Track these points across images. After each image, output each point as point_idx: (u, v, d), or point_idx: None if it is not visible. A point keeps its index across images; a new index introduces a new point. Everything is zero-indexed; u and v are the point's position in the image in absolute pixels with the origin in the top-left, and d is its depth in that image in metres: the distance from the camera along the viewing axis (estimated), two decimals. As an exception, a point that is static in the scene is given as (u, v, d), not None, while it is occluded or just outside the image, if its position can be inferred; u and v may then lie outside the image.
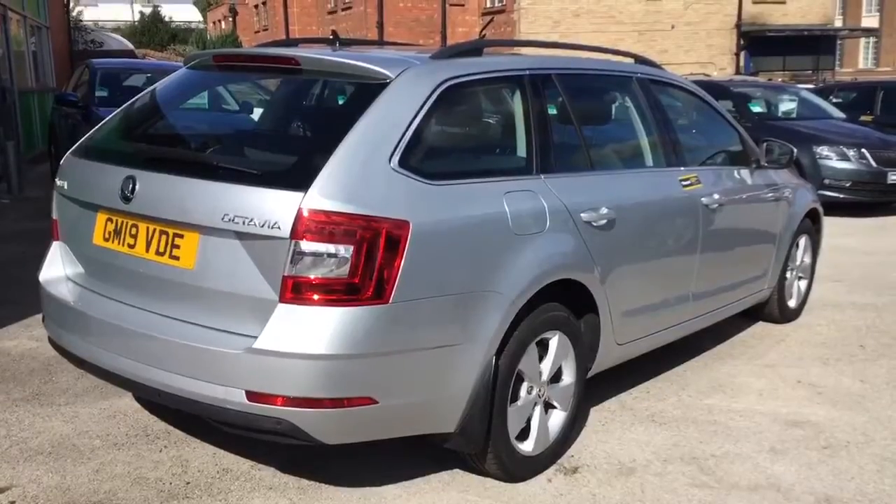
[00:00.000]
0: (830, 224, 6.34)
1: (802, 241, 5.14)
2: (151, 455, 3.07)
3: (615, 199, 3.31)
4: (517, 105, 3.18)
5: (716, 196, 3.98)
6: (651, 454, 3.30)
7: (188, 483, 2.89)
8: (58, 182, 3.05)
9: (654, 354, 4.11)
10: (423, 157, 2.69)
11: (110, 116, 3.25)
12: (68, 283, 2.94)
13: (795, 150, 4.51)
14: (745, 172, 4.41)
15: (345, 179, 2.44)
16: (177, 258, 2.60)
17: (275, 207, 2.39)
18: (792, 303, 5.17)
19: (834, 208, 8.64)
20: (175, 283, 2.61)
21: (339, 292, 2.37)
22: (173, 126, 3.21)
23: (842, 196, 9.48)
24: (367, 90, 2.70)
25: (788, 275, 5.06)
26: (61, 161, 3.13)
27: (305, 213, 2.36)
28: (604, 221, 3.22)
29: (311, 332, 2.36)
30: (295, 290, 2.37)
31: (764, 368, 4.35)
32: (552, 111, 3.31)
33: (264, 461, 3.05)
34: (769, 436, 3.51)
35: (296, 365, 2.35)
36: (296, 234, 2.36)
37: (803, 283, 5.29)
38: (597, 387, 3.84)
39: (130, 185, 2.68)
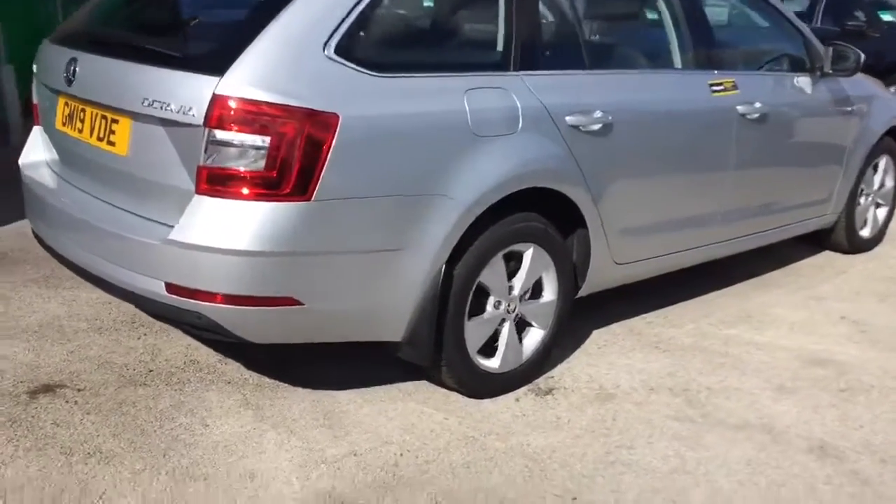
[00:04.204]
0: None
1: (882, 162, 4.55)
2: (128, 342, 3.13)
3: (614, 103, 2.96)
4: None
5: (757, 105, 3.52)
6: (639, 382, 3.07)
7: (151, 371, 2.93)
8: (34, 67, 3.05)
9: (685, 278, 3.82)
10: (367, 45, 2.48)
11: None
12: (44, 168, 2.96)
13: (863, 55, 3.92)
14: (803, 80, 3.87)
15: (268, 65, 2.27)
16: (113, 144, 2.53)
17: (191, 92, 2.27)
18: (865, 232, 4.63)
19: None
20: (112, 170, 2.56)
21: (255, 186, 2.23)
22: (119, 6, 3.11)
23: None
24: None
25: (862, 200, 4.52)
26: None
27: (220, 100, 2.22)
28: (597, 126, 2.91)
29: (225, 225, 2.25)
30: (210, 182, 2.26)
31: (809, 300, 3.94)
32: None
33: (234, 357, 3.06)
34: (782, 373, 3.19)
35: (209, 259, 2.26)
36: (210, 121, 2.23)
37: (882, 211, 4.72)
38: (608, 307, 3.60)
39: (72, 68, 2.62)
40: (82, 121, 2.67)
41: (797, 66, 3.94)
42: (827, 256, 4.59)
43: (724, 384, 3.08)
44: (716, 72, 3.44)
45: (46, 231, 2.85)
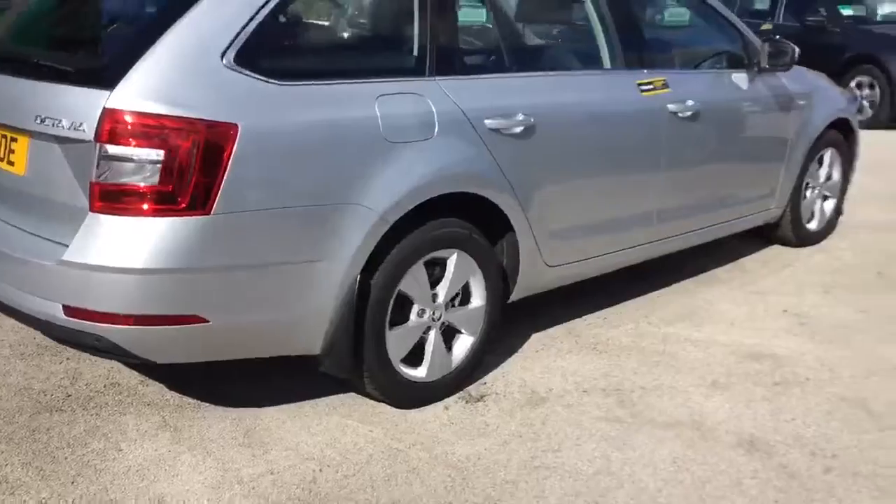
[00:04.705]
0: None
1: (828, 155, 4.54)
2: (50, 367, 3.05)
3: (536, 105, 2.93)
4: None
5: (690, 103, 3.49)
6: (573, 384, 3.02)
7: (69, 396, 2.85)
8: None
9: (628, 277, 3.79)
10: (270, 52, 2.43)
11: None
12: None
13: (797, 49, 3.92)
14: (739, 77, 3.86)
15: (161, 77, 2.22)
16: (12, 164, 2.47)
17: (82, 108, 2.22)
18: (812, 225, 4.62)
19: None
20: (12, 190, 2.50)
21: (151, 201, 2.18)
22: (21, 23, 3.05)
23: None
24: None
25: (808, 193, 4.50)
26: None
27: (110, 114, 2.16)
28: (518, 129, 2.86)
29: (119, 243, 2.19)
30: (103, 199, 2.20)
31: (752, 295, 3.92)
32: None
33: (156, 377, 2.98)
34: (717, 369, 3.15)
35: (105, 279, 2.19)
36: (100, 136, 2.17)
37: (830, 204, 4.71)
38: (549, 310, 3.57)
39: None
40: (-13, 141, 2.61)
41: (734, 63, 3.94)
42: (774, 251, 4.57)
43: (657, 383, 3.04)
44: (645, 71, 3.41)
45: None
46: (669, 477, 2.46)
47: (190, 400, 2.85)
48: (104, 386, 2.93)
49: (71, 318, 2.27)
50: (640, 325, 3.56)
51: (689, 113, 3.51)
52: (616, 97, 3.30)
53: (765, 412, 2.84)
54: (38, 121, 2.31)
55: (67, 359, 3.11)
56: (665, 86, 3.45)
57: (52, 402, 2.82)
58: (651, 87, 3.40)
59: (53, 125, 2.26)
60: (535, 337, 3.42)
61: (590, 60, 3.41)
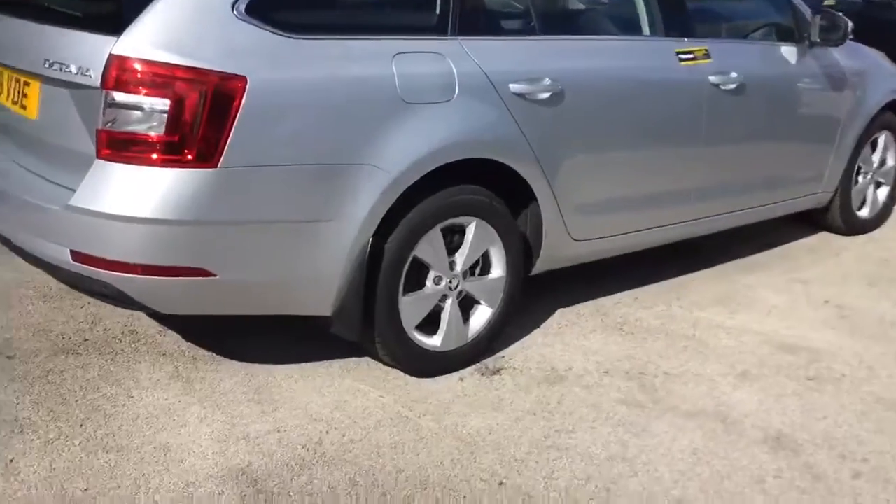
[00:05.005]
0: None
1: (882, 138, 4.31)
2: (71, 310, 3.06)
3: (566, 70, 2.80)
4: None
5: (733, 75, 3.32)
6: (594, 364, 2.92)
7: (86, 340, 2.85)
8: None
9: (665, 257, 3.67)
10: (281, 5, 2.34)
11: None
12: None
13: (851, 23, 3.69)
14: (788, 50, 3.66)
15: (169, 25, 2.16)
16: (25, 107, 2.45)
17: (88, 53, 2.18)
18: (864, 212, 4.40)
19: None
20: (26, 134, 2.48)
21: (157, 151, 2.13)
22: None
23: None
24: None
25: (860, 179, 4.29)
26: None
27: (116, 60, 2.11)
28: (545, 95, 2.74)
29: (125, 192, 2.15)
30: (110, 146, 2.16)
31: (793, 283, 3.75)
32: None
33: (175, 328, 2.97)
34: (749, 358, 3.02)
35: (111, 227, 2.16)
36: (106, 83, 2.13)
37: (883, 191, 4.48)
38: (576, 286, 3.46)
39: None
40: (1, 84, 2.59)
41: (784, 36, 3.73)
42: (822, 238, 4.38)
43: (683, 369, 2.92)
44: (686, 40, 3.24)
45: None
46: (687, 469, 2.36)
47: (205, 353, 2.83)
48: (122, 333, 2.93)
49: (78, 264, 2.25)
50: (671, 307, 3.43)
51: (732, 86, 3.33)
52: (652, 65, 3.15)
53: (795, 408, 2.71)
54: (47, 65, 2.28)
55: (89, 303, 3.11)
56: (707, 56, 3.28)
57: (69, 345, 2.83)
58: (691, 56, 3.23)
59: (61, 70, 2.23)
60: (560, 312, 3.32)
61: (627, 26, 3.26)
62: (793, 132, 3.77)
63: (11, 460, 2.21)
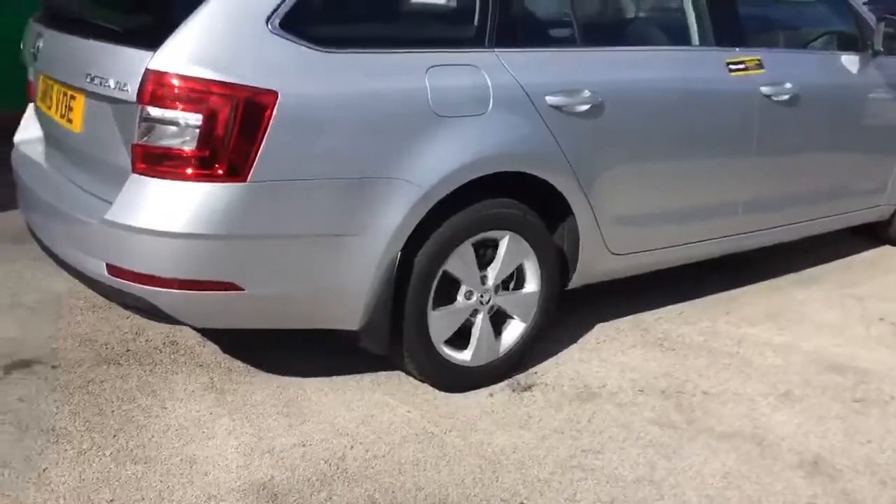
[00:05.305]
0: None
1: (951, 150, 4.09)
2: (117, 321, 3.16)
3: (605, 82, 2.75)
4: None
5: (787, 86, 3.22)
6: (629, 382, 2.86)
7: (128, 350, 2.94)
8: (22, 44, 3.11)
9: (714, 270, 3.57)
10: (314, 19, 2.36)
11: None
12: (31, 145, 3.00)
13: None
14: (850, 60, 3.53)
15: (203, 40, 2.19)
16: (70, 121, 2.53)
17: (126, 67, 2.23)
18: (930, 226, 4.19)
19: None
20: (71, 148, 2.57)
21: (188, 166, 2.17)
22: None
23: None
24: None
25: (926, 191, 4.09)
26: None
27: (152, 75, 2.16)
28: (583, 108, 2.70)
29: (157, 206, 2.20)
30: (145, 161, 2.21)
31: (848, 299, 3.60)
32: None
33: (215, 339, 3.04)
34: (793, 378, 2.91)
35: (144, 241, 2.21)
36: (142, 97, 2.18)
37: (951, 203, 4.26)
38: (618, 300, 3.40)
39: (37, 44, 2.65)
40: (51, 97, 2.69)
41: (846, 45, 3.60)
42: (883, 252, 4.20)
43: (722, 388, 2.83)
44: (737, 49, 3.15)
45: (26, 213, 2.89)
46: (716, 493, 2.28)
47: (241, 364, 2.88)
48: (163, 343, 3.01)
49: (113, 277, 2.32)
50: (717, 323, 3.34)
51: (785, 97, 3.22)
52: (698, 76, 3.07)
53: (837, 431, 2.59)
54: (89, 79, 2.35)
55: (134, 314, 3.21)
56: (759, 66, 3.17)
57: (111, 355, 2.92)
58: (742, 66, 3.13)
59: (101, 84, 2.29)
60: (599, 327, 3.26)
61: (674, 36, 3.18)
62: (854, 143, 3.64)
63: (45, 470, 2.29)
